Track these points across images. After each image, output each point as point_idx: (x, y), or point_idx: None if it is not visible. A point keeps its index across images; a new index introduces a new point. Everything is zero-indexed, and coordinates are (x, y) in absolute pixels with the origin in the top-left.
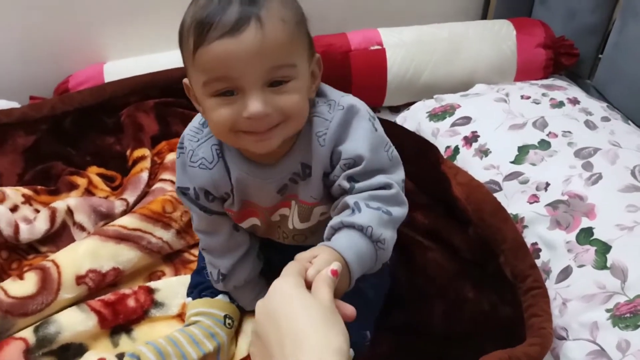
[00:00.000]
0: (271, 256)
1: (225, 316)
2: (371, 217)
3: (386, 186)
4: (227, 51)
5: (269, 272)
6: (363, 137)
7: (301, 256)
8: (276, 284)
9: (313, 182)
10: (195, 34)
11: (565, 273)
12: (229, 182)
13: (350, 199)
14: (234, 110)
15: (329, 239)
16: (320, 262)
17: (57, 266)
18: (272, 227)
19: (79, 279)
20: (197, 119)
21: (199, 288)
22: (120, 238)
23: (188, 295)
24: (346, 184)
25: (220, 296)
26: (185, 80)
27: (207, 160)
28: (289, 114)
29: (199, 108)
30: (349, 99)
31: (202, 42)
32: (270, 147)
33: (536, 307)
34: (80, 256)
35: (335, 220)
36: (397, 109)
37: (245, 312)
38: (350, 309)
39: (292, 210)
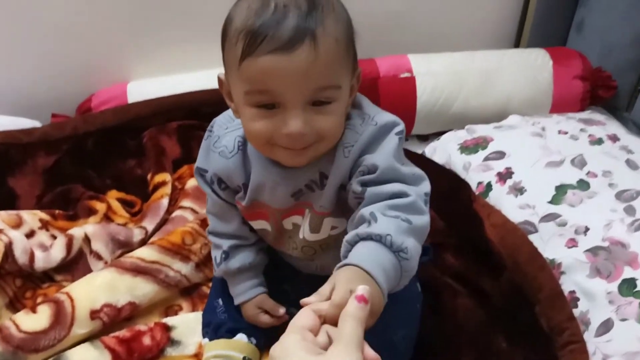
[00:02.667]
0: (282, 280)
1: (244, 358)
2: (389, 225)
3: (402, 194)
4: (276, 67)
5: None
6: (387, 150)
7: (321, 292)
8: (282, 340)
9: (327, 192)
10: (246, 42)
11: (606, 326)
12: (243, 176)
13: (365, 210)
14: (273, 124)
15: (345, 256)
16: (339, 293)
17: (72, 299)
18: (283, 235)
19: (94, 314)
20: (230, 111)
21: (213, 326)
22: (138, 271)
23: (204, 336)
24: (358, 188)
25: (238, 336)
26: (221, 75)
27: (228, 149)
28: (325, 135)
29: (231, 105)
30: (384, 117)
31: (252, 53)
32: (301, 164)
33: None
34: (96, 289)
35: (350, 235)
36: (425, 138)
37: (264, 351)
38: (373, 356)
39: (304, 219)
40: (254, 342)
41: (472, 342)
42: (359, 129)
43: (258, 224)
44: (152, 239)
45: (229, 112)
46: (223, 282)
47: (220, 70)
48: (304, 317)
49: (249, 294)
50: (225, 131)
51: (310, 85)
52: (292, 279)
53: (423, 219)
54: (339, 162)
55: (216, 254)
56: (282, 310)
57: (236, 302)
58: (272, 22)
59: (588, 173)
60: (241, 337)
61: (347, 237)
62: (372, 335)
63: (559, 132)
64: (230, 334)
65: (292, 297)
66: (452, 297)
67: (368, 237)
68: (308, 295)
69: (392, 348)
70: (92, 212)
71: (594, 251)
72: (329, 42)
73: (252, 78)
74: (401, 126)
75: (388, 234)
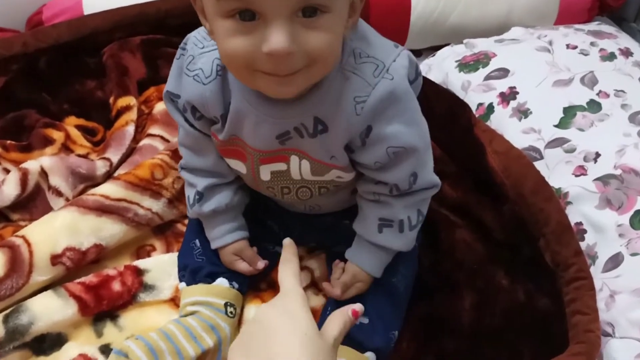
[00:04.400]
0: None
1: (226, 304)
2: (412, 237)
3: (435, 186)
4: None
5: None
6: (412, 120)
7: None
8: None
9: (333, 143)
10: None
11: (615, 261)
12: (221, 106)
13: (397, 211)
14: (252, 41)
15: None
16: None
17: (29, 244)
18: (259, 184)
19: (55, 259)
20: None
21: (190, 270)
22: (102, 210)
23: (180, 279)
24: (405, 184)
25: (219, 280)
26: None
27: (205, 73)
28: (316, 58)
29: (205, 25)
30: (400, 64)
31: None
32: (289, 94)
33: (580, 302)
34: (56, 231)
35: (378, 239)
36: (419, 54)
37: (248, 297)
38: None
39: (290, 167)
40: (235, 286)
41: (470, 280)
42: (370, 80)
43: (233, 164)
44: (117, 173)
45: (204, 28)
46: (200, 221)
47: None
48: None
49: (225, 239)
50: (201, 51)
51: None
52: (278, 217)
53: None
54: (347, 117)
55: (189, 194)
56: (261, 264)
57: (212, 246)
58: None
59: (599, 93)
60: (221, 282)
61: (374, 239)
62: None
63: (567, 46)
64: (210, 278)
65: (280, 235)
66: (450, 230)
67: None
68: (296, 233)
69: (392, 289)
70: (48, 141)
71: (604, 180)
72: None
73: None
74: (420, 80)
75: (407, 247)
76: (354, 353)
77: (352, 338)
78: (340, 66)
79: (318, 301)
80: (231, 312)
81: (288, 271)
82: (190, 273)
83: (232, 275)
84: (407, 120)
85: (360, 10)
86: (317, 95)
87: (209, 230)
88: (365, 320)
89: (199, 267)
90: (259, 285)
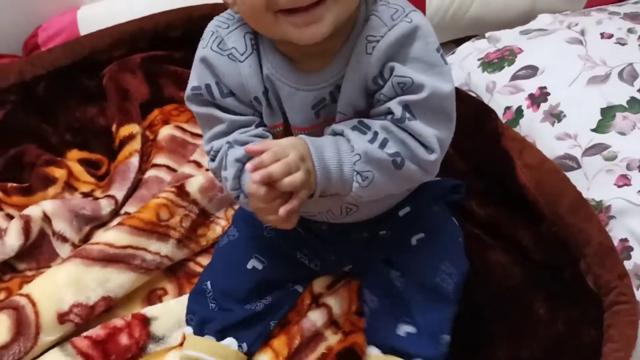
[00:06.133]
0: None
1: None
2: (370, 158)
3: (430, 148)
4: None
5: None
6: (432, 63)
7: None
8: None
9: (343, 93)
10: None
11: None
12: (260, 82)
13: (377, 125)
14: None
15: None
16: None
17: (34, 304)
18: None
19: (62, 317)
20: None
21: (200, 318)
22: (108, 260)
23: (188, 322)
24: (398, 109)
25: (228, 340)
26: None
27: (239, 50)
28: None
29: (228, 3)
30: (419, 16)
31: None
32: (319, 34)
33: (615, 328)
34: (61, 288)
35: (343, 127)
36: None
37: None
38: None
39: None
40: (244, 349)
41: (508, 308)
42: (387, 21)
43: None
44: (124, 210)
45: (223, 14)
46: (218, 259)
47: None
48: None
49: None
50: (229, 30)
51: None
52: (309, 247)
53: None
54: (358, 56)
55: (224, 163)
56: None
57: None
58: None
59: None
60: (230, 343)
61: (336, 126)
62: (412, 280)
63: (602, 35)
64: (220, 334)
65: (311, 268)
66: (482, 252)
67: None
68: (330, 260)
69: (437, 289)
70: (50, 181)
71: None
72: None
73: None
74: (435, 39)
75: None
76: None
77: (398, 350)
78: (365, 13)
79: (336, 340)
80: None
81: None
82: (199, 322)
83: (243, 333)
84: (424, 63)
85: None
86: (347, 48)
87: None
88: (412, 329)
89: (209, 317)
90: (272, 331)
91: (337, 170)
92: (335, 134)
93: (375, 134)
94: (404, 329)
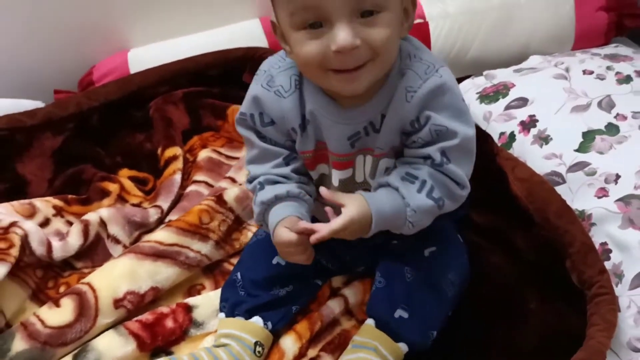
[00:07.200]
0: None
1: (256, 343)
2: (424, 210)
3: (464, 186)
4: None
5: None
6: (458, 111)
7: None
8: None
9: (384, 132)
10: None
11: None
12: (299, 117)
13: (423, 173)
14: (323, 44)
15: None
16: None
17: (94, 290)
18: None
19: (117, 303)
20: (282, 52)
21: (231, 303)
22: (158, 255)
23: (221, 309)
24: (438, 157)
25: (255, 318)
26: (272, 18)
27: (284, 88)
28: (378, 50)
29: (285, 48)
30: (447, 72)
31: None
32: (359, 88)
33: (597, 315)
34: (117, 278)
35: (396, 182)
36: None
37: (277, 340)
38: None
39: (355, 170)
40: (269, 327)
41: (505, 303)
42: (422, 75)
43: (318, 171)
44: (168, 219)
45: (279, 53)
46: (248, 255)
47: (217, 29)
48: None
49: (278, 214)
50: (279, 70)
51: None
52: (327, 249)
53: (452, 206)
54: (399, 104)
55: (255, 202)
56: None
57: (271, 232)
58: None
59: (617, 116)
60: (257, 321)
61: (390, 179)
62: (420, 278)
63: (584, 72)
64: (248, 314)
65: (328, 267)
66: (484, 256)
67: (403, 203)
68: (346, 260)
69: (440, 291)
70: (105, 193)
71: (625, 200)
72: None
73: None
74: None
75: (415, 211)
76: (388, 340)
77: (390, 328)
78: (399, 67)
79: (350, 325)
80: (259, 352)
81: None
82: (231, 306)
83: (270, 314)
84: (453, 112)
85: (414, 15)
86: (381, 94)
87: (267, 215)
88: (406, 315)
89: (239, 301)
90: (296, 318)
91: (392, 225)
92: (388, 185)
93: (423, 182)
94: (400, 313)
